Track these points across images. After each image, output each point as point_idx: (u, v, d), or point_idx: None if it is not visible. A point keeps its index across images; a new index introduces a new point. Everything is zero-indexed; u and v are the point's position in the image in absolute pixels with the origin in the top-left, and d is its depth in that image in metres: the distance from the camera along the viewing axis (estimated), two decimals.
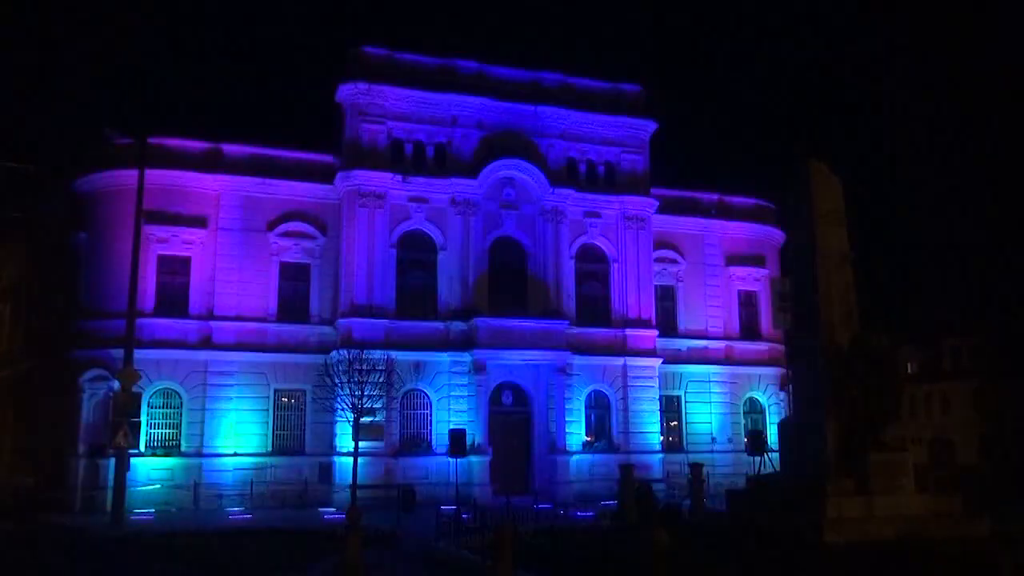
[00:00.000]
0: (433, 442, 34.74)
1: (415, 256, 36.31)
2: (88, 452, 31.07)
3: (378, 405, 30.09)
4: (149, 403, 32.66)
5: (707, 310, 41.47)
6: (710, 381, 40.67)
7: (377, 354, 30.64)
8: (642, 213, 39.24)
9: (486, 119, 37.58)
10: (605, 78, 40.42)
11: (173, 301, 34.02)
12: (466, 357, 35.06)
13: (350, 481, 28.81)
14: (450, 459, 31.13)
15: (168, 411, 33.30)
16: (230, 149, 35.52)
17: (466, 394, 35.06)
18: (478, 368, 34.93)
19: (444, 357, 35.15)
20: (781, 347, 41.23)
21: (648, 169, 39.96)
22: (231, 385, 33.74)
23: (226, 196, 34.91)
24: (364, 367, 29.20)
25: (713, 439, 39.96)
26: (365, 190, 35.32)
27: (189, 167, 34.61)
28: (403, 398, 34.58)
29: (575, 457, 35.97)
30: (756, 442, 32.81)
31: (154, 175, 31.41)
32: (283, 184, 35.55)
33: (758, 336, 42.19)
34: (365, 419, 29.46)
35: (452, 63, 37.70)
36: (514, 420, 36.55)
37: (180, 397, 33.39)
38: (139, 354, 28.34)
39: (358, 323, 34.18)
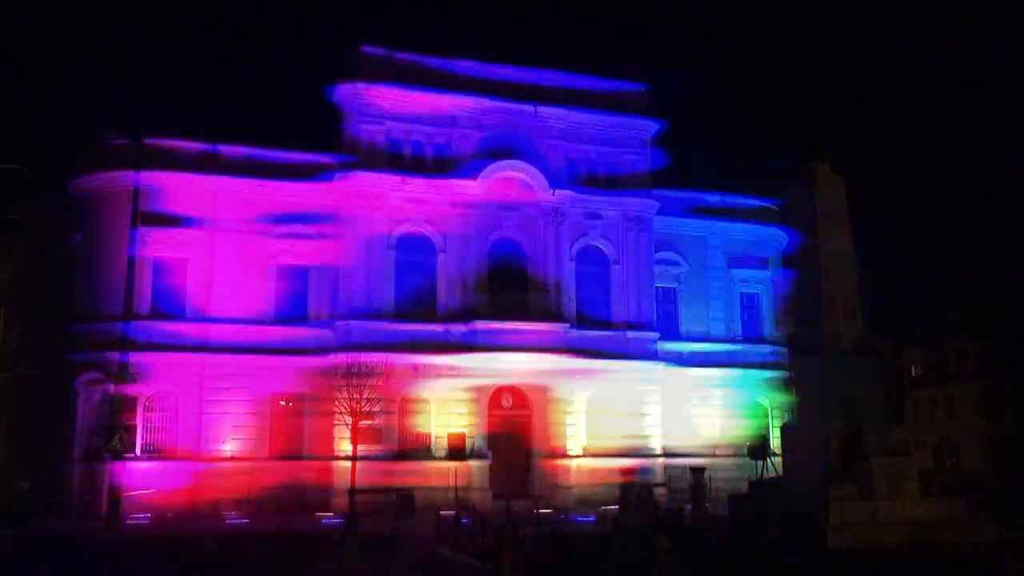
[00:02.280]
0: (432, 446, 34.46)
1: (414, 258, 36.01)
2: (84, 456, 30.79)
3: (376, 409, 29.80)
4: (145, 406, 32.37)
5: (709, 312, 41.13)
6: (712, 384, 40.33)
7: (376, 357, 30.34)
8: (643, 214, 38.94)
9: (485, 119, 37.31)
10: (606, 77, 40.04)
11: (169, 303, 33.77)
12: (465, 360, 34.76)
13: (348, 485, 28.55)
14: (449, 463, 30.86)
15: (164, 414, 33.03)
16: (227, 150, 35.22)
17: (465, 397, 34.79)
18: (477, 371, 34.63)
19: (443, 360, 34.84)
20: (784, 350, 40.85)
21: (649, 170, 39.63)
22: (228, 388, 33.46)
23: (223, 197, 34.64)
24: (362, 370, 28.94)
25: (715, 443, 39.58)
26: (363, 191, 35.07)
27: (185, 168, 34.30)
28: (402, 402, 34.31)
29: (575, 461, 35.67)
30: (759, 446, 32.62)
31: (150, 176, 31.22)
32: (281, 185, 35.25)
33: (761, 339, 41.81)
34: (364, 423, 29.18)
35: (451, 63, 37.36)
36: (514, 424, 36.23)
37: (177, 400, 33.12)
38: (135, 357, 28.13)
39: (357, 325, 33.91)
